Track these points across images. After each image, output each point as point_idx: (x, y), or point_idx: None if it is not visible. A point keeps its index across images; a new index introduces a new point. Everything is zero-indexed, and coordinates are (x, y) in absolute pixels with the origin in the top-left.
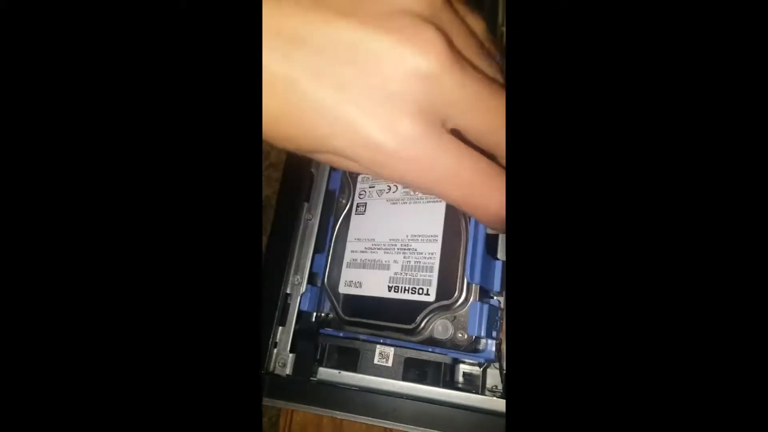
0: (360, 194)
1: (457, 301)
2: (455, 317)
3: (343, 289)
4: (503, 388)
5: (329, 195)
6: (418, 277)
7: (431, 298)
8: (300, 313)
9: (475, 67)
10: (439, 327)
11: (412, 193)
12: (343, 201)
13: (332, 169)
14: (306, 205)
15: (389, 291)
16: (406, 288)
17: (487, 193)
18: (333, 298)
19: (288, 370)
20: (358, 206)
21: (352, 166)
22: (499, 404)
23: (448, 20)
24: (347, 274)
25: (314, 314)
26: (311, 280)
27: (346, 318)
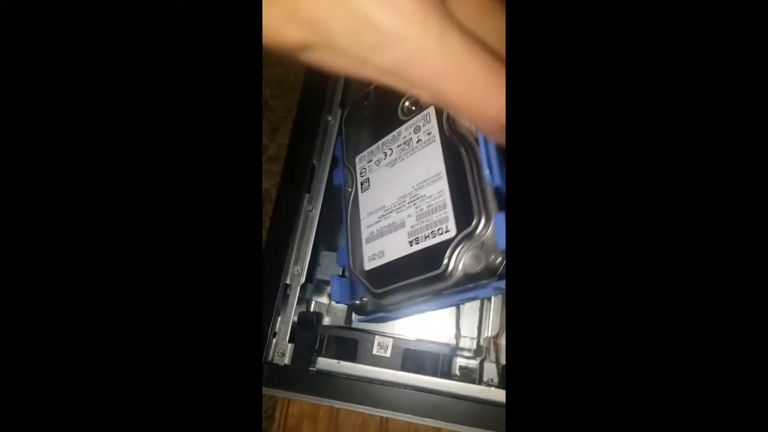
0: (361, 173)
1: (478, 226)
2: (482, 243)
3: (368, 265)
4: (499, 380)
5: (331, 186)
6: (434, 219)
7: (452, 233)
8: (299, 302)
9: None
10: (470, 260)
11: (406, 147)
12: (349, 189)
13: (333, 164)
14: (307, 196)
15: (411, 245)
16: (426, 235)
17: (487, 93)
18: (362, 279)
19: (287, 360)
20: (362, 184)
21: (340, 62)
22: (497, 394)
23: None
24: (368, 250)
25: (353, 302)
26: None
27: (378, 291)
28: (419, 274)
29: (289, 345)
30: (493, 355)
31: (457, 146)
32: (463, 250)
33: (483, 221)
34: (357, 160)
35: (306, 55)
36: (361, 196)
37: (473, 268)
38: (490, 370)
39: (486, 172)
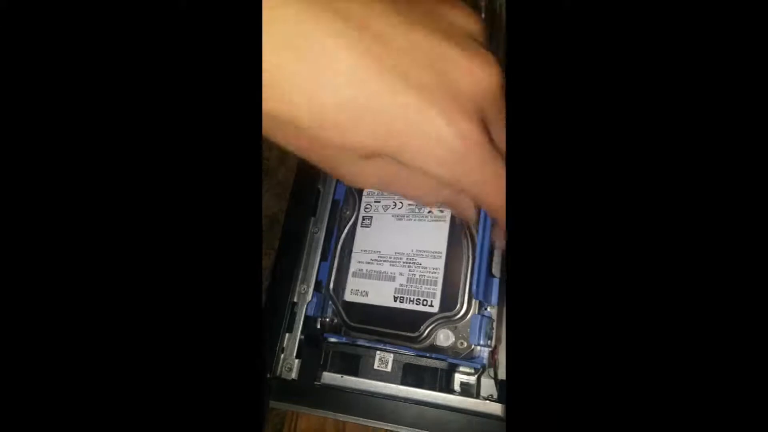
0: (366, 208)
1: (458, 313)
2: (456, 327)
3: (349, 297)
4: (498, 394)
5: (334, 207)
6: (423, 289)
7: (435, 309)
8: (306, 320)
9: None
10: (441, 336)
11: (417, 210)
12: (348, 212)
13: (337, 183)
14: (313, 219)
15: (395, 301)
16: (411, 299)
17: None
18: (338, 305)
19: (294, 375)
20: (363, 219)
21: (401, 173)
22: (495, 408)
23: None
24: (353, 283)
25: (318, 320)
26: (316, 288)
27: (353, 324)
28: (397, 329)
29: (296, 360)
30: (491, 370)
31: (461, 237)
32: (439, 326)
33: (462, 312)
34: (365, 193)
35: (368, 161)
36: (360, 230)
37: (443, 343)
38: (489, 385)
39: (474, 284)
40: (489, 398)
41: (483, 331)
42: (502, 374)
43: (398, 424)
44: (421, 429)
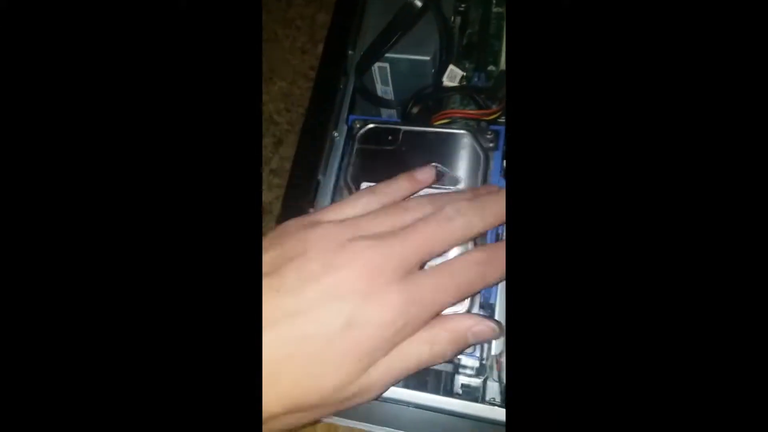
0: None
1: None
2: None
3: None
4: (501, 399)
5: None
6: None
7: None
8: None
9: None
10: None
11: None
12: None
13: (338, 177)
14: (311, 211)
15: None
16: None
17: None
18: None
19: None
20: None
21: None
22: (499, 413)
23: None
24: None
25: None
26: None
27: None
28: None
29: None
30: (495, 374)
31: None
32: None
33: (464, 310)
34: (363, 185)
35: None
36: None
37: None
38: (493, 389)
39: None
40: (492, 401)
41: None
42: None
43: (399, 429)
44: None
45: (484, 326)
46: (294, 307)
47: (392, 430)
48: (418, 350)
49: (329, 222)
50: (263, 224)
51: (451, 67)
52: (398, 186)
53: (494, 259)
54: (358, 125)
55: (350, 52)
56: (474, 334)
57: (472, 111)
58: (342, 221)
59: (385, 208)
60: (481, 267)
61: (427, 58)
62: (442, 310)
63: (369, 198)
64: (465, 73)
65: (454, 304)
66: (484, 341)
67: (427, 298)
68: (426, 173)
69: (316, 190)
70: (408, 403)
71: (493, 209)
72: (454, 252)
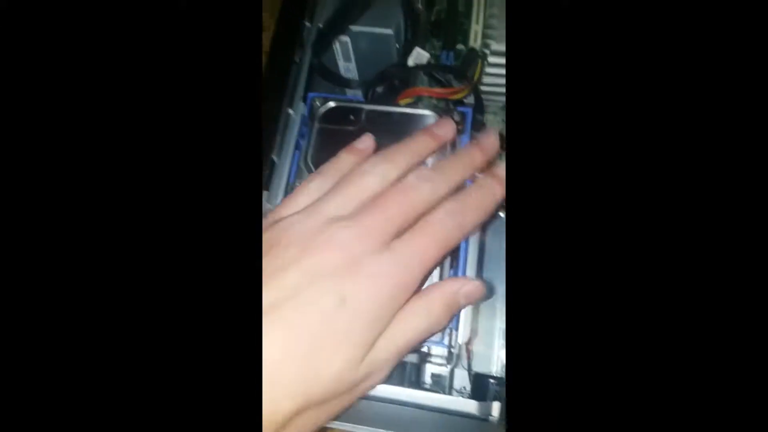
0: None
1: None
2: None
3: None
4: (471, 389)
5: (291, 187)
6: None
7: None
8: None
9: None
10: None
11: None
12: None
13: (293, 160)
14: (266, 194)
15: None
16: None
17: (486, 197)
18: None
19: None
20: None
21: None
22: (468, 405)
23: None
24: None
25: None
26: None
27: None
28: None
29: None
30: (465, 362)
31: None
32: None
33: None
34: None
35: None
36: None
37: None
38: (462, 378)
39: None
40: (461, 391)
41: None
42: (476, 367)
43: (359, 424)
44: (386, 429)
45: (472, 286)
46: (280, 294)
47: (352, 425)
48: (416, 320)
49: (292, 215)
50: None
51: (417, 49)
52: (345, 161)
53: (466, 206)
54: (318, 103)
55: (307, 24)
56: (464, 295)
57: (439, 89)
58: (303, 210)
59: (339, 183)
60: (457, 216)
61: (390, 31)
62: (430, 270)
63: (319, 180)
64: (431, 54)
65: (440, 261)
66: (474, 302)
67: (413, 261)
68: (365, 142)
69: (271, 171)
70: (369, 397)
71: (455, 168)
72: None
